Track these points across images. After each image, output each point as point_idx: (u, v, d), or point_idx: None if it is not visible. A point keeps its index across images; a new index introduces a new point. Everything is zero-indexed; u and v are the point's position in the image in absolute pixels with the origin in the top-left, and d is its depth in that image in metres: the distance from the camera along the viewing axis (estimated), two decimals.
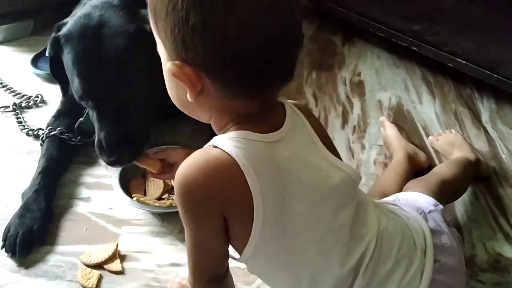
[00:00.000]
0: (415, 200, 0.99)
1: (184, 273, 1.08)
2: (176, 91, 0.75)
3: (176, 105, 0.79)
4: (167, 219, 1.20)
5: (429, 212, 0.93)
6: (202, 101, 0.72)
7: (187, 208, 0.74)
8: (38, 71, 1.65)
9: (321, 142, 0.79)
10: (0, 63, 1.76)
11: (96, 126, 1.18)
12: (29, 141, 1.43)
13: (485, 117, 1.57)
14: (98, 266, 1.10)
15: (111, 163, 1.18)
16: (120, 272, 1.09)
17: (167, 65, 0.70)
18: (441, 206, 0.97)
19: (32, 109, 1.55)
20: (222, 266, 0.83)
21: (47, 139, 1.34)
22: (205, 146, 0.75)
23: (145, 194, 1.26)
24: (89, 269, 1.09)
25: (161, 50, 0.73)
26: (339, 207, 0.78)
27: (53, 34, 1.21)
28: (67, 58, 1.17)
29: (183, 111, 0.79)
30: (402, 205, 0.94)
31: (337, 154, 0.83)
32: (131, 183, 1.27)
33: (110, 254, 1.10)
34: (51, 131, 1.35)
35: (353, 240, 0.79)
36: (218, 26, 0.65)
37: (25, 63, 1.73)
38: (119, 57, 1.14)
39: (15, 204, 1.21)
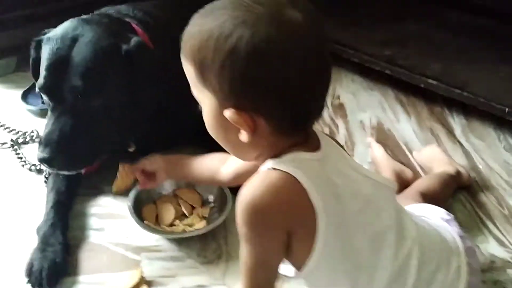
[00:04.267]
0: (430, 210, 1.10)
1: None
2: (225, 134, 0.83)
3: (223, 147, 0.87)
4: (183, 244, 1.25)
5: (446, 221, 1.05)
6: (255, 140, 0.80)
7: (254, 228, 0.79)
8: (31, 107, 1.67)
9: (349, 156, 0.91)
10: None
11: (46, 123, 1.23)
12: (32, 176, 1.45)
13: (458, 131, 1.70)
14: None
15: (41, 160, 1.21)
16: None
17: (225, 113, 0.77)
18: (452, 215, 1.09)
19: (29, 145, 1.56)
20: (275, 281, 0.88)
21: (51, 174, 1.37)
22: (262, 169, 0.82)
23: (156, 220, 1.30)
24: None
25: (206, 97, 0.80)
26: (380, 210, 0.88)
27: (37, 38, 1.27)
28: (43, 55, 1.23)
29: (230, 151, 0.88)
30: (426, 214, 1.05)
31: None
32: (143, 209, 1.31)
33: (137, 280, 1.14)
34: None
35: (399, 240, 0.88)
36: (279, 77, 0.75)
37: (12, 99, 1.75)
38: (83, 63, 1.19)
39: (27, 238, 1.23)
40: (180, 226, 1.29)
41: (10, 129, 1.60)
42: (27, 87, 1.76)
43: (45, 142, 1.19)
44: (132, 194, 1.30)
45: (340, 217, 0.83)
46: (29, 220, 1.29)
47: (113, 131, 1.28)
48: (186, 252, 1.23)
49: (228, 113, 0.77)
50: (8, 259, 1.20)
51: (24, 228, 1.27)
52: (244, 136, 0.79)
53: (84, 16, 1.28)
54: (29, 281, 1.12)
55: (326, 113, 1.77)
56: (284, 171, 0.79)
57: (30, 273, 1.13)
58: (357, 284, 0.88)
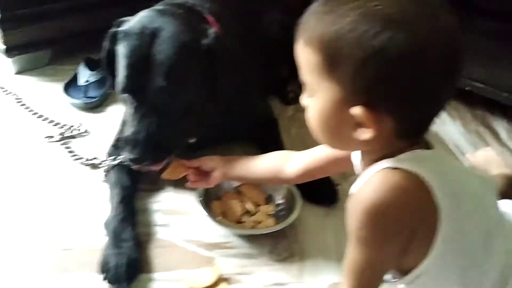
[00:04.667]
0: (508, 205, 1.08)
1: None
2: (338, 128, 0.77)
3: (323, 139, 0.82)
4: (254, 241, 1.21)
5: None
6: (374, 139, 0.75)
7: (376, 231, 0.76)
8: (75, 101, 1.62)
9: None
10: (27, 93, 1.70)
11: (129, 122, 1.18)
12: (83, 169, 1.40)
13: (503, 135, 1.70)
14: None
15: (132, 160, 1.16)
16: None
17: (353, 110, 0.72)
18: None
19: (76, 139, 1.51)
20: (379, 286, 0.85)
21: (113, 168, 1.32)
22: (377, 169, 0.77)
23: (223, 217, 1.26)
24: None
25: (326, 88, 0.75)
26: (488, 207, 0.86)
27: (112, 29, 1.21)
28: (120, 51, 1.17)
29: (331, 144, 0.83)
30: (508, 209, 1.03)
31: None
32: (212, 206, 1.27)
33: (217, 277, 1.09)
34: (115, 160, 1.32)
35: (505, 236, 0.85)
36: (429, 82, 0.71)
37: (52, 93, 1.69)
38: (167, 62, 1.13)
39: (89, 233, 1.20)
40: (249, 222, 1.25)
41: (55, 122, 1.54)
42: (67, 80, 1.70)
43: (134, 143, 1.13)
44: (201, 189, 1.25)
45: (459, 215, 0.79)
46: (89, 213, 1.25)
47: (192, 126, 1.23)
48: (258, 250, 1.20)
49: (357, 110, 0.72)
50: (74, 254, 1.15)
51: (84, 222, 1.23)
52: (365, 134, 0.74)
53: (158, 7, 1.22)
54: (105, 278, 1.07)
55: None
56: (406, 170, 0.75)
57: (106, 269, 1.08)
58: (467, 286, 0.85)
